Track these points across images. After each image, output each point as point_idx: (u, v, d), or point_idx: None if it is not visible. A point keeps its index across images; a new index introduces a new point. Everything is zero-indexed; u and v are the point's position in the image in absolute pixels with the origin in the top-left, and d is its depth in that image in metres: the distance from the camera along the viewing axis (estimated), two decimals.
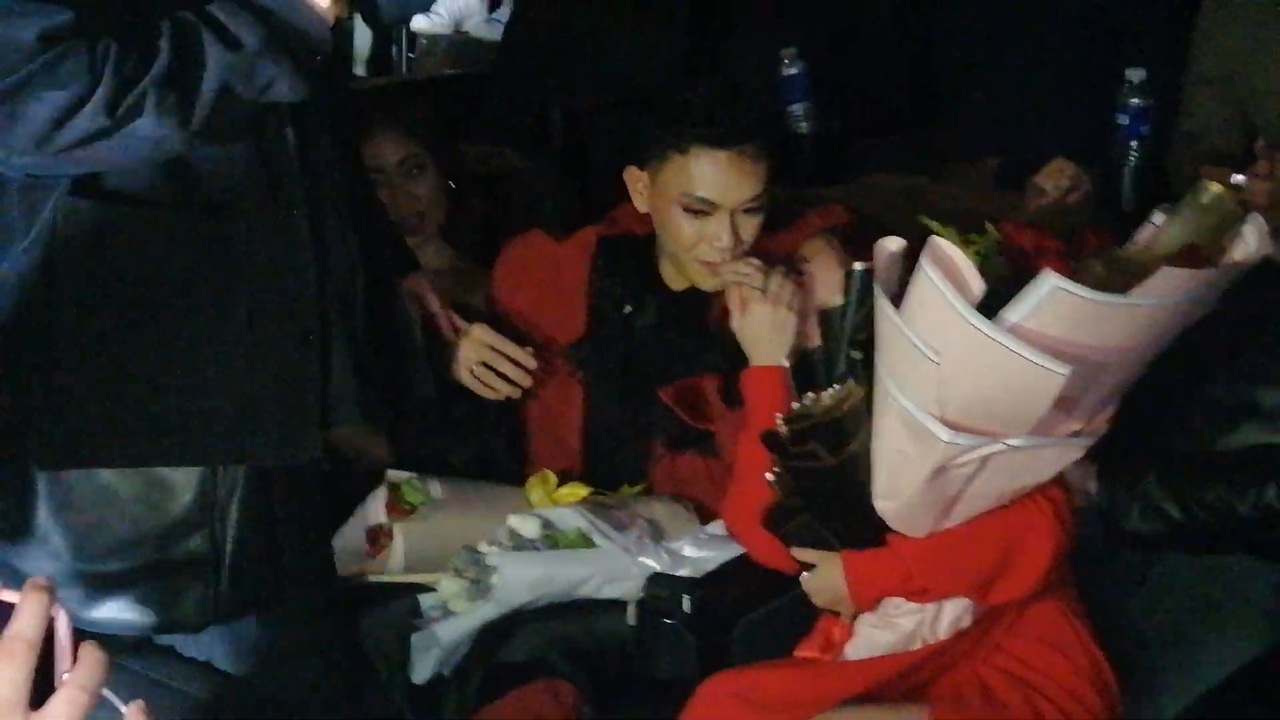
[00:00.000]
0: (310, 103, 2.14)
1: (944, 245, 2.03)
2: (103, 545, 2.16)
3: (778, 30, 3.82)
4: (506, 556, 2.57)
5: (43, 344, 2.10)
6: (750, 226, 2.69)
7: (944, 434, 2.05)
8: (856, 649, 2.36)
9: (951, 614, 2.32)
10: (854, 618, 2.37)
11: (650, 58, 4.00)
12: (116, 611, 2.18)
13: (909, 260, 2.12)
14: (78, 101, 1.95)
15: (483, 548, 2.59)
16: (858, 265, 2.26)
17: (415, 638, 2.54)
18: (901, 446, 2.12)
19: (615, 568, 2.57)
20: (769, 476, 2.31)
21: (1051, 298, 1.96)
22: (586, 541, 2.61)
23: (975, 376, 2.02)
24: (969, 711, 2.32)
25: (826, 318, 2.32)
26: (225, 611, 2.21)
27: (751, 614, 2.52)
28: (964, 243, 2.03)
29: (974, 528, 2.23)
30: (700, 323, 2.77)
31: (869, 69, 3.69)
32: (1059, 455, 2.15)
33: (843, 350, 2.26)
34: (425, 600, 2.58)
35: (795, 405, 2.28)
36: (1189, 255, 2.04)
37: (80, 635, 1.14)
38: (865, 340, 2.19)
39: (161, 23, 2.00)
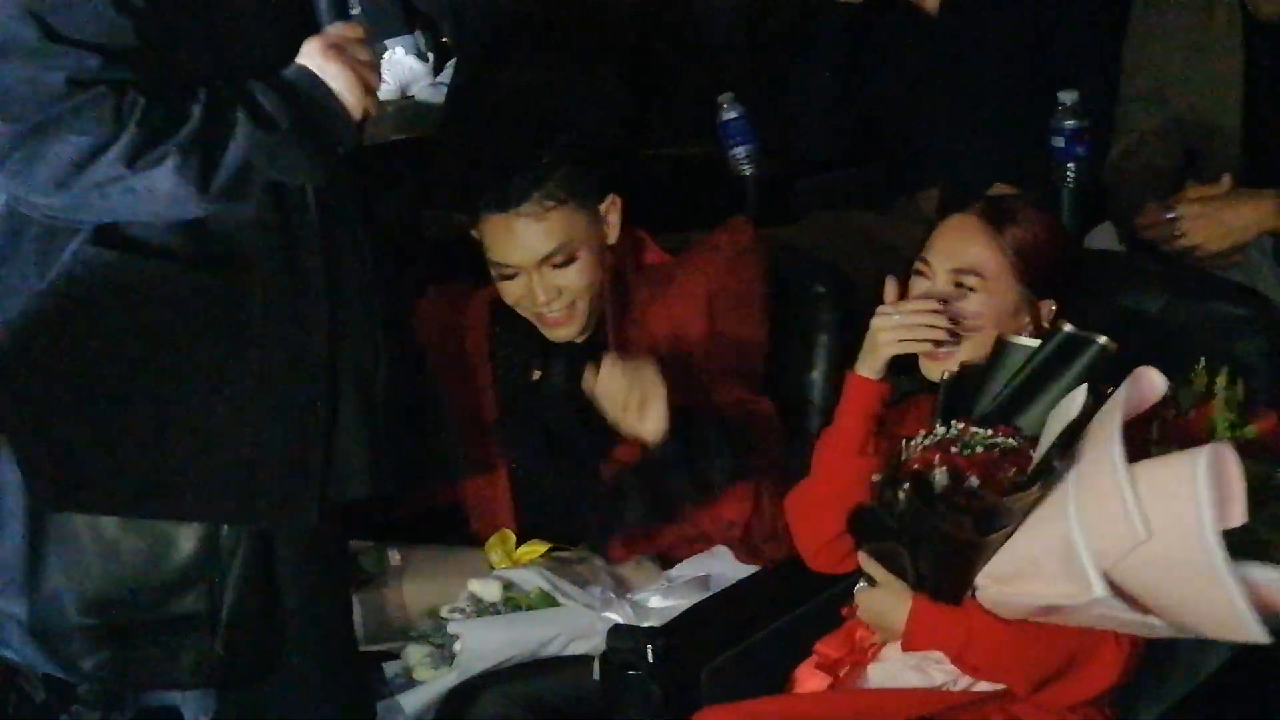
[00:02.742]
0: (335, 181, 2.17)
1: (1230, 455, 1.94)
2: (104, 597, 2.19)
3: (715, 76, 3.84)
4: (469, 623, 2.56)
5: (49, 386, 2.12)
6: (569, 279, 2.59)
7: (1099, 589, 1.96)
8: (878, 677, 2.31)
9: (989, 686, 2.26)
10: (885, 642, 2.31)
11: (593, 111, 4.01)
12: (113, 665, 2.21)
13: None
14: (100, 147, 1.99)
15: (445, 614, 2.58)
16: (1067, 326, 2.16)
17: (381, 706, 2.52)
18: (1043, 563, 2.03)
19: (580, 625, 2.57)
20: (876, 478, 2.16)
21: None
22: (549, 601, 2.60)
23: (1174, 575, 1.94)
24: None
25: (1003, 348, 2.21)
26: (221, 674, 2.22)
27: (717, 659, 2.48)
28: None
29: (1050, 630, 2.16)
30: None
31: (805, 108, 3.69)
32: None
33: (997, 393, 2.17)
34: (389, 669, 2.57)
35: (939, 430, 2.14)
36: None
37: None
38: (1065, 446, 2.05)
39: (198, 88, 2.04)
